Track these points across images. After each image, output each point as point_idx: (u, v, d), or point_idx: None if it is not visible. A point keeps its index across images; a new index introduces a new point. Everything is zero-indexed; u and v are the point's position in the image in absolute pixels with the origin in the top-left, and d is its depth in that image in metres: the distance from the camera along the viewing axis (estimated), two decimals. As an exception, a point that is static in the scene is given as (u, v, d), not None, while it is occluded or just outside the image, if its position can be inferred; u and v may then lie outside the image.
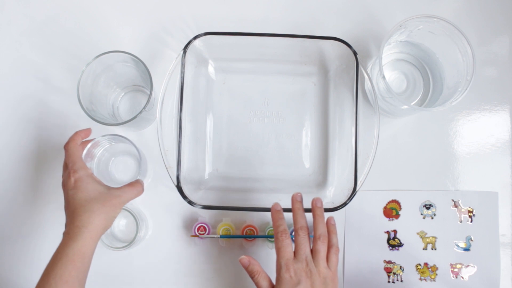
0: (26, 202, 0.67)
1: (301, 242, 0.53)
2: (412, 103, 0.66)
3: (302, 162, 0.67)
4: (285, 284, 0.51)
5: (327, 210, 0.59)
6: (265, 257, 0.66)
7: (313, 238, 0.54)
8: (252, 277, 0.54)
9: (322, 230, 0.54)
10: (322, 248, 0.53)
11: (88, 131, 0.59)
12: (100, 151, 0.64)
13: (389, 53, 0.67)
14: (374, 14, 0.70)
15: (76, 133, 0.58)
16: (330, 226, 0.56)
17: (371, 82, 0.61)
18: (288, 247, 0.53)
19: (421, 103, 0.66)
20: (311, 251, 0.54)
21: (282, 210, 0.56)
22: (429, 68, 0.66)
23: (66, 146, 0.56)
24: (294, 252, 0.53)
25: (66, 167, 0.57)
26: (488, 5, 0.71)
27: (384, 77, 0.57)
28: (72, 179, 0.54)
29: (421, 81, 0.67)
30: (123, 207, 0.61)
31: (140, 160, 0.61)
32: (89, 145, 0.58)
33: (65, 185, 0.55)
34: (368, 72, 0.64)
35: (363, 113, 0.62)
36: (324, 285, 0.52)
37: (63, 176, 0.57)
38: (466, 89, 0.57)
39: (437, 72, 0.65)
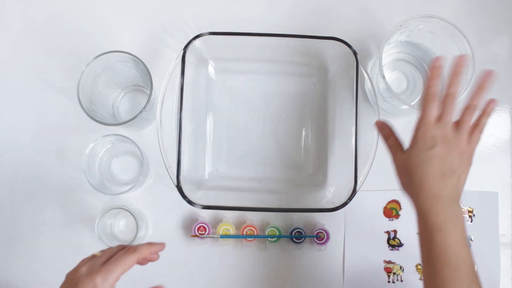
0: (26, 202, 0.67)
1: (448, 108, 0.47)
2: (412, 103, 0.66)
3: (302, 162, 0.67)
4: (419, 145, 0.47)
5: (327, 210, 0.59)
6: (265, 257, 0.66)
7: (462, 108, 0.49)
8: (384, 140, 0.52)
9: (475, 101, 0.48)
10: (468, 119, 0.48)
11: (161, 246, 0.51)
12: (102, 151, 0.64)
13: (389, 53, 0.67)
14: (374, 14, 0.70)
15: (150, 245, 0.49)
16: (488, 108, 0.49)
17: (371, 82, 0.61)
18: (433, 110, 0.47)
19: (421, 103, 0.66)
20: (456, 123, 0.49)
21: (442, 67, 0.49)
22: (429, 68, 0.66)
23: (136, 247, 0.47)
24: (438, 117, 0.48)
25: (94, 259, 0.47)
26: (488, 5, 0.71)
27: (384, 77, 0.58)
28: (91, 285, 0.44)
29: (421, 81, 0.67)
30: (123, 207, 0.61)
31: (142, 160, 0.61)
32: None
33: (77, 277, 0.45)
34: (368, 72, 0.64)
35: (363, 113, 0.62)
36: (459, 158, 0.47)
37: (85, 261, 0.48)
38: (466, 89, 0.57)
39: None
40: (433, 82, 0.48)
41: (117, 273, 0.45)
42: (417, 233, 0.47)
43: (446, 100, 0.48)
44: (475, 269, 0.45)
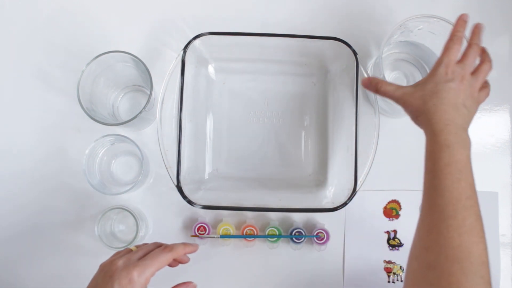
0: (25, 202, 0.67)
1: (470, 54, 0.52)
2: None
3: (302, 162, 0.67)
4: (438, 77, 0.50)
5: (327, 210, 0.59)
6: (265, 257, 0.66)
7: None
8: (377, 91, 0.54)
9: (475, 39, 0.54)
10: (484, 70, 0.52)
11: (195, 247, 0.52)
12: (102, 151, 0.64)
13: (389, 53, 0.67)
14: (373, 14, 0.70)
15: (186, 246, 0.50)
16: (484, 55, 0.54)
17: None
18: (457, 51, 0.51)
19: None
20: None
21: (467, 22, 0.54)
22: (429, 68, 0.66)
23: (172, 246, 0.49)
24: (459, 60, 0.52)
25: (130, 254, 0.48)
26: (487, 5, 0.71)
27: (384, 77, 0.57)
28: (127, 279, 0.44)
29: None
30: (123, 207, 0.61)
31: (142, 160, 0.61)
32: None
33: (113, 269, 0.45)
34: (368, 72, 0.64)
35: (363, 113, 0.62)
36: (471, 98, 0.51)
37: (120, 254, 0.48)
38: None
39: None
40: (459, 28, 0.53)
41: (153, 269, 0.45)
42: (425, 152, 0.49)
43: (470, 48, 0.52)
44: (475, 188, 0.47)
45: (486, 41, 0.70)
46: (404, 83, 0.67)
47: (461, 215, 0.45)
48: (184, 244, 0.50)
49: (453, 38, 0.52)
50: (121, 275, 0.44)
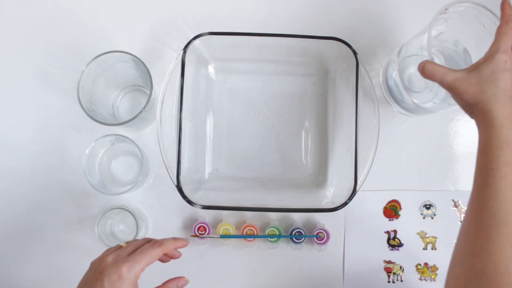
0: (25, 202, 0.67)
1: None
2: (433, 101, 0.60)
3: (302, 162, 0.67)
4: (495, 64, 0.45)
5: (327, 210, 0.59)
6: (265, 257, 0.66)
7: None
8: (423, 73, 0.49)
9: None
10: None
11: (186, 242, 0.51)
12: (102, 151, 0.64)
13: (409, 48, 0.63)
14: (374, 15, 0.70)
15: (176, 240, 0.49)
16: None
17: (370, 81, 0.61)
18: None
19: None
20: None
21: None
22: (457, 61, 0.61)
23: (162, 241, 0.48)
24: None
25: (120, 250, 0.47)
26: (488, 5, 0.70)
27: (430, 55, 0.52)
28: (117, 274, 0.44)
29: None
30: (123, 207, 0.61)
31: (142, 160, 0.61)
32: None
33: (103, 265, 0.45)
34: (383, 67, 0.63)
35: (363, 113, 0.62)
36: None
37: (110, 250, 0.48)
38: None
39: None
40: (511, 12, 0.48)
41: (143, 264, 0.45)
42: (479, 146, 0.46)
43: None
44: None
45: (486, 41, 0.70)
46: (423, 80, 0.65)
47: None
48: (174, 238, 0.49)
49: (508, 22, 0.47)
50: (110, 271, 0.44)
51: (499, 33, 0.47)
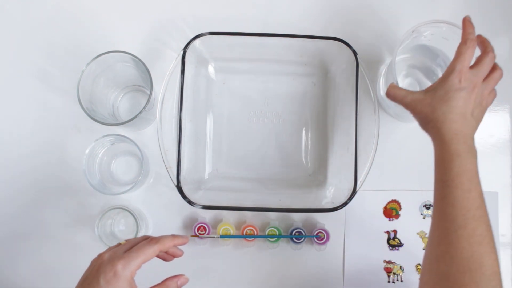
0: (25, 202, 0.67)
1: (485, 63, 0.50)
2: None
3: (302, 162, 0.67)
4: (449, 84, 0.49)
5: (327, 210, 0.59)
6: (265, 257, 0.66)
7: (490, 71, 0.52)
8: (388, 95, 0.53)
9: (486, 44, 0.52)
10: (496, 81, 0.52)
11: (185, 239, 0.50)
12: (102, 151, 0.64)
13: (402, 58, 0.66)
14: (377, 15, 0.70)
15: (174, 237, 0.49)
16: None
17: (370, 81, 0.61)
18: (470, 57, 0.50)
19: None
20: None
21: (473, 25, 0.52)
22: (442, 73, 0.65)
23: (159, 238, 0.48)
24: (472, 65, 0.51)
25: (118, 247, 0.47)
26: (487, 5, 0.71)
27: (397, 82, 0.56)
28: (112, 272, 0.44)
29: None
30: (123, 207, 0.61)
31: (142, 160, 0.61)
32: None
33: (99, 262, 0.45)
34: (382, 75, 0.64)
35: (363, 113, 0.62)
36: (480, 106, 0.50)
37: (109, 248, 0.48)
38: None
39: None
40: (470, 30, 0.51)
41: (138, 261, 0.45)
42: (434, 161, 0.50)
43: (486, 55, 0.51)
44: (484, 198, 0.47)
45: (486, 41, 0.70)
46: (417, 88, 0.67)
47: (472, 225, 0.45)
48: (172, 236, 0.49)
49: (466, 41, 0.50)
50: (106, 268, 0.44)
51: (457, 53, 0.50)
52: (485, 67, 0.51)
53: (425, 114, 0.50)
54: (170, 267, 0.66)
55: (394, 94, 0.53)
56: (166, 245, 0.48)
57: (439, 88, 0.50)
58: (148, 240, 0.47)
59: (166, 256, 0.50)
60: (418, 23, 0.58)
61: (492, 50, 0.51)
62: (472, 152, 0.48)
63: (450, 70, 0.50)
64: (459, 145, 0.47)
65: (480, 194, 0.47)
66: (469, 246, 0.44)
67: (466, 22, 0.53)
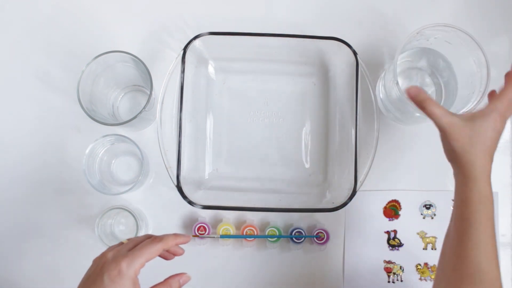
0: (25, 202, 0.67)
1: None
2: None
3: (302, 162, 0.67)
4: (490, 122, 0.48)
5: (327, 210, 0.59)
6: (265, 257, 0.66)
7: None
8: (422, 108, 0.50)
9: None
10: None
11: (187, 238, 0.51)
12: (102, 151, 0.64)
13: (404, 61, 0.66)
14: (377, 15, 0.70)
15: (176, 236, 0.49)
16: None
17: (370, 81, 0.61)
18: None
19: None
20: None
21: None
22: (443, 78, 0.65)
23: (162, 237, 0.48)
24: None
25: (121, 246, 0.47)
26: (487, 5, 0.71)
27: (397, 83, 0.56)
28: (116, 270, 0.44)
29: (433, 90, 0.66)
30: (123, 207, 0.61)
31: (142, 160, 0.61)
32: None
33: (103, 261, 0.45)
34: (382, 78, 0.64)
35: (363, 113, 0.62)
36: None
37: (112, 247, 0.48)
38: (479, 101, 0.56)
39: (451, 82, 0.63)
40: None
41: (142, 260, 0.45)
42: (457, 196, 0.49)
43: None
44: None
45: (486, 41, 0.70)
46: None
47: (495, 273, 0.45)
48: (175, 234, 0.49)
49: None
50: (110, 267, 0.44)
51: (502, 95, 0.50)
52: None
53: (462, 145, 0.48)
54: (171, 267, 0.66)
55: (431, 111, 0.49)
56: (169, 243, 0.48)
57: (479, 123, 0.48)
58: (151, 239, 0.48)
59: (167, 254, 0.50)
60: (423, 25, 0.57)
61: None
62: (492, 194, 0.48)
63: (492, 108, 0.49)
64: (488, 186, 0.47)
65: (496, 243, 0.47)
66: None
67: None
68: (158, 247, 0.47)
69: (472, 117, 0.49)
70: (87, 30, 0.70)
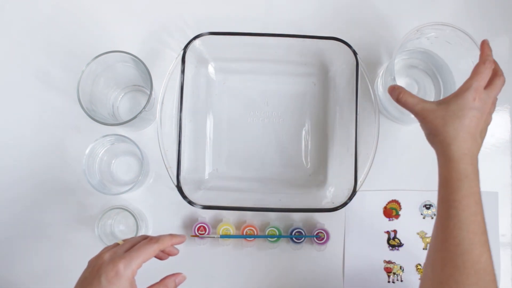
0: (25, 202, 0.67)
1: (498, 85, 0.51)
2: None
3: (302, 162, 0.67)
4: (464, 101, 0.48)
5: (327, 210, 0.59)
6: (265, 257, 0.66)
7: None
8: (398, 100, 0.53)
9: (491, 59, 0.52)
10: (499, 89, 0.52)
11: (182, 238, 0.51)
12: (102, 151, 0.64)
13: (402, 59, 0.66)
14: (377, 15, 0.70)
15: (172, 236, 0.49)
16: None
17: (370, 81, 0.61)
18: (487, 78, 0.50)
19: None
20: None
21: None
22: (441, 77, 0.65)
23: (159, 237, 0.48)
24: (486, 85, 0.50)
25: (117, 247, 0.47)
26: (487, 5, 0.71)
27: (395, 80, 0.56)
28: (114, 271, 0.43)
29: (432, 89, 0.66)
30: (123, 207, 0.61)
31: (142, 160, 0.61)
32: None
33: (100, 263, 0.45)
34: (380, 76, 0.64)
35: (363, 113, 0.62)
36: (485, 125, 0.51)
37: (107, 248, 0.48)
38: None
39: (449, 82, 0.64)
40: (489, 52, 0.52)
41: (139, 261, 0.45)
42: (439, 178, 0.49)
43: (498, 78, 0.51)
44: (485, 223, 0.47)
45: (486, 41, 0.70)
46: (415, 89, 0.67)
47: (477, 251, 0.45)
48: (170, 235, 0.49)
49: (484, 62, 0.50)
50: (107, 268, 0.44)
51: (475, 72, 0.50)
52: (498, 89, 0.51)
53: (436, 126, 0.49)
54: (169, 267, 0.66)
55: (405, 101, 0.52)
56: (166, 244, 0.48)
57: (453, 103, 0.49)
58: (148, 239, 0.48)
59: (162, 255, 0.50)
60: (422, 24, 0.57)
61: (503, 74, 0.52)
62: (478, 174, 0.48)
63: (466, 87, 0.49)
64: (467, 165, 0.47)
65: (484, 218, 0.46)
66: (475, 272, 0.44)
67: (485, 45, 0.53)
68: (155, 248, 0.47)
69: (446, 100, 0.50)
70: (87, 30, 0.70)
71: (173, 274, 0.49)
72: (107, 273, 0.43)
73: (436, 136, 0.50)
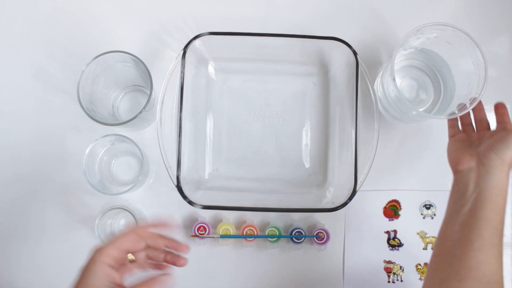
0: (26, 202, 0.67)
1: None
2: (421, 109, 0.65)
3: (302, 162, 0.67)
4: (508, 147, 0.51)
5: (327, 210, 0.59)
6: (265, 257, 0.66)
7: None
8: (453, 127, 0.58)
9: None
10: None
11: (167, 223, 0.50)
12: (102, 151, 0.64)
13: (402, 59, 0.66)
14: (377, 15, 0.70)
15: (154, 224, 0.49)
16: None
17: (370, 81, 0.61)
18: None
19: (430, 110, 0.65)
20: None
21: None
22: (441, 77, 0.65)
23: (136, 228, 0.48)
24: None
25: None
26: (487, 5, 0.71)
27: (394, 79, 0.56)
28: (91, 258, 0.45)
29: (431, 89, 0.66)
30: (123, 207, 0.61)
31: (142, 160, 0.61)
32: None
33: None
34: (379, 76, 0.64)
35: (363, 113, 0.62)
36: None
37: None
38: (476, 101, 0.56)
39: (449, 82, 0.64)
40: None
41: (113, 247, 0.45)
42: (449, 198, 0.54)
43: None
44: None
45: (486, 41, 0.70)
46: (414, 89, 0.66)
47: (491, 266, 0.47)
48: (153, 224, 0.49)
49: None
50: (89, 256, 0.45)
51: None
52: None
53: (468, 159, 0.54)
54: (170, 268, 0.66)
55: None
56: (144, 228, 0.48)
57: (502, 143, 0.51)
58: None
59: (170, 260, 0.49)
60: (422, 24, 0.57)
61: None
62: None
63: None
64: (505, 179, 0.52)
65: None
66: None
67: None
68: (132, 234, 0.47)
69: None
70: (87, 30, 0.70)
71: (161, 275, 0.47)
72: (87, 260, 0.45)
73: (462, 165, 0.55)
